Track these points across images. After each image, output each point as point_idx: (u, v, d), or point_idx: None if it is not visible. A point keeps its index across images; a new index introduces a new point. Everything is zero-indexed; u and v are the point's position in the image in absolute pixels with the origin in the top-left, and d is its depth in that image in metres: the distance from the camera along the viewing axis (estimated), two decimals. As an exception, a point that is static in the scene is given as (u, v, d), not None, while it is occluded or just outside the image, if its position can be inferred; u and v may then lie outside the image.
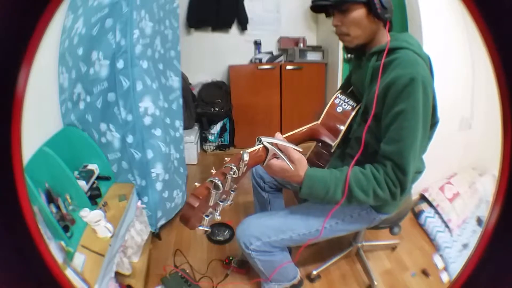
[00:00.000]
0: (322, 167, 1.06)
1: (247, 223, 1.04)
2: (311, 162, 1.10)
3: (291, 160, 0.79)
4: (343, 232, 1.07)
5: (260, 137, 0.76)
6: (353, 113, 0.99)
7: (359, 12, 0.85)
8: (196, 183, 0.63)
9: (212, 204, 0.61)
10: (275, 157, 0.79)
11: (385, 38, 0.89)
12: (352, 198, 0.84)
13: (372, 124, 0.87)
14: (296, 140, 0.93)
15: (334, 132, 0.99)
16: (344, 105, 1.01)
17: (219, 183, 0.59)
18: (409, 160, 0.81)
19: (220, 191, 0.60)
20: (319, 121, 1.00)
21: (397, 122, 0.80)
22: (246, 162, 0.68)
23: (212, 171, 0.65)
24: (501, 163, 0.45)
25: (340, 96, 1.04)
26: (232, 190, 0.67)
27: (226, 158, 0.70)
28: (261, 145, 0.76)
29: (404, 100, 0.78)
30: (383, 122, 0.85)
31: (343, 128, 0.98)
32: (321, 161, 1.06)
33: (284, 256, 1.07)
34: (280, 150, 0.78)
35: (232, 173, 0.64)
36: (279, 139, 0.80)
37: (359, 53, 0.97)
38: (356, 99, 1.03)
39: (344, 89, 1.12)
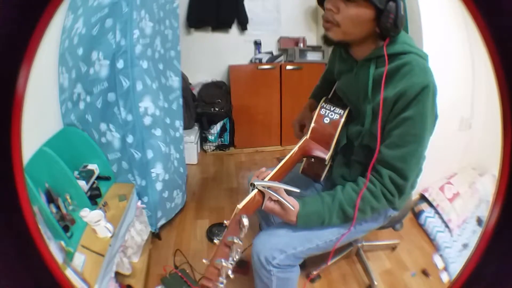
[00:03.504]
0: (319, 176, 1.05)
1: (267, 235, 0.94)
2: (306, 174, 1.07)
3: (283, 208, 0.82)
4: (363, 233, 1.06)
5: (253, 182, 0.77)
6: (343, 120, 0.96)
7: (365, 12, 0.75)
8: (204, 260, 0.66)
9: (225, 273, 0.64)
10: (271, 199, 0.81)
11: (377, 40, 0.82)
12: (349, 219, 0.88)
13: (375, 131, 0.86)
14: (291, 165, 0.93)
15: (326, 144, 0.96)
16: (331, 114, 0.98)
17: (228, 265, 0.62)
18: (411, 166, 0.82)
19: (229, 265, 0.64)
20: (307, 136, 0.97)
21: (403, 127, 0.79)
22: (247, 227, 0.68)
23: (215, 240, 0.67)
24: (501, 163, 0.45)
25: (325, 106, 1.00)
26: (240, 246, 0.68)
27: (225, 221, 0.70)
28: (256, 190, 0.77)
29: (413, 107, 0.77)
30: (387, 126, 0.83)
31: (334, 139, 0.95)
32: (317, 172, 1.05)
33: (298, 272, 1.00)
34: (275, 191, 0.79)
35: (236, 247, 0.65)
36: (271, 182, 0.80)
37: (346, 55, 0.92)
38: (343, 103, 1.00)
39: (326, 93, 1.09)
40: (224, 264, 0.61)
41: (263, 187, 0.77)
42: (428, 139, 0.82)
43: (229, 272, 0.64)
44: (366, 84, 0.87)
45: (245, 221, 0.67)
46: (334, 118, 0.97)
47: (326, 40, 0.84)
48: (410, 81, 0.77)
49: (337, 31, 0.79)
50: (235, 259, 0.66)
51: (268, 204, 0.81)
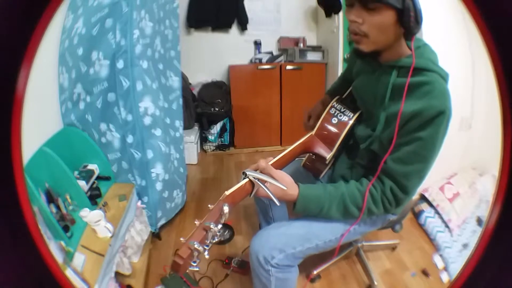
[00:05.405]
0: (318, 174, 1.06)
1: (266, 235, 0.93)
2: (307, 168, 1.08)
3: (282, 183, 0.81)
4: (362, 234, 1.07)
5: (246, 171, 0.78)
6: (351, 123, 0.96)
7: (388, 17, 0.74)
8: (181, 238, 0.66)
9: (197, 254, 0.64)
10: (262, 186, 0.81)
11: (404, 48, 0.83)
12: (347, 215, 0.88)
13: (384, 139, 0.86)
14: (292, 157, 0.93)
15: (329, 144, 0.96)
16: (340, 115, 0.97)
17: (199, 248, 0.63)
18: (414, 183, 0.84)
19: (202, 249, 0.64)
20: (313, 132, 0.97)
21: (412, 146, 0.80)
22: (227, 215, 0.70)
23: (195, 222, 0.68)
24: (501, 163, 0.45)
25: (335, 105, 1.00)
26: (218, 232, 0.68)
27: (209, 205, 0.71)
28: (247, 180, 0.78)
29: (426, 129, 0.77)
30: (397, 140, 0.83)
31: (338, 140, 0.95)
32: (317, 169, 1.06)
33: (296, 273, 0.99)
34: (264, 183, 0.79)
35: (212, 232, 0.66)
36: (265, 168, 0.80)
37: (370, 58, 0.90)
38: (354, 107, 0.99)
39: (340, 93, 1.09)
40: (196, 246, 0.62)
41: (254, 178, 0.78)
42: (434, 160, 0.83)
43: (205, 254, 0.65)
44: (385, 89, 0.86)
45: (225, 209, 0.69)
46: (342, 119, 0.97)
47: (359, 53, 0.85)
48: (428, 103, 0.77)
49: (368, 42, 0.79)
50: (210, 244, 0.67)
51: (260, 191, 0.80)
